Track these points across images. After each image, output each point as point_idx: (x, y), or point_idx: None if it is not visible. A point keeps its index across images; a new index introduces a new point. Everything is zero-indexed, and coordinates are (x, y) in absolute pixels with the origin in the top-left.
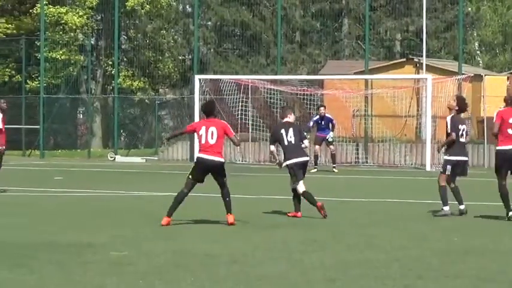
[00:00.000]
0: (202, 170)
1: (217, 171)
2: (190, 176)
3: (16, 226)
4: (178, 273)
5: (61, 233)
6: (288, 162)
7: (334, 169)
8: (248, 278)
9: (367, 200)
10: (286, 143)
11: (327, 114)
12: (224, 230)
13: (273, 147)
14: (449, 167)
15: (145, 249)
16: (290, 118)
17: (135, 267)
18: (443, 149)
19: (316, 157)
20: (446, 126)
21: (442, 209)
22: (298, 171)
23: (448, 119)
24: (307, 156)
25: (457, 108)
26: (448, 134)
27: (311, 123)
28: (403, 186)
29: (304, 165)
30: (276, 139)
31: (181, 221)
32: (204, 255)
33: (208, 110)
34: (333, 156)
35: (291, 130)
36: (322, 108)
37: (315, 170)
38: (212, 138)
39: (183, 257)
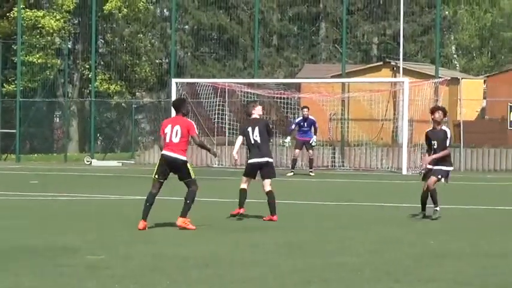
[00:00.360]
0: (165, 166)
1: (180, 169)
2: (156, 176)
3: None
4: (154, 277)
5: (37, 236)
6: (249, 161)
7: (310, 173)
8: (222, 282)
9: (343, 204)
10: (252, 141)
11: (310, 116)
12: (200, 233)
13: (240, 138)
14: (450, 175)
15: (122, 252)
16: (256, 113)
17: (112, 270)
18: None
19: (294, 161)
20: (446, 140)
21: (436, 209)
22: (252, 172)
23: (448, 132)
24: (269, 157)
25: (446, 119)
26: (447, 147)
27: (293, 126)
28: (379, 190)
29: (260, 167)
30: (243, 134)
31: (158, 225)
32: (180, 258)
33: (176, 106)
34: (311, 161)
35: (256, 129)
36: (305, 109)
37: (292, 173)
38: (176, 137)
39: (159, 260)
